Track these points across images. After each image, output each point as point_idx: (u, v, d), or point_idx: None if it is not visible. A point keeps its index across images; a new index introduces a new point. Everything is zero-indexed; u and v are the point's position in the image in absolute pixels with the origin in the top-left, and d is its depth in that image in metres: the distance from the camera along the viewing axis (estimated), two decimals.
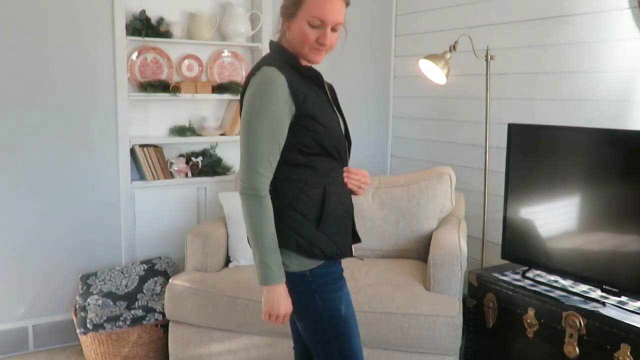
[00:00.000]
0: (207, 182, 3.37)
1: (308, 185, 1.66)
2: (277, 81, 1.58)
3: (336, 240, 1.70)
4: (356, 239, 1.83)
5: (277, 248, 1.62)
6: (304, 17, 1.62)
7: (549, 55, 2.83)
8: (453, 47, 2.84)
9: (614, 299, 2.14)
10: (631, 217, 2.09)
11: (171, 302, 2.64)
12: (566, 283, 2.34)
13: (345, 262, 1.78)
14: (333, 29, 1.65)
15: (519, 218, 2.48)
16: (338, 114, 1.76)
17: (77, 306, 2.94)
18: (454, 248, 2.54)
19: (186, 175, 3.34)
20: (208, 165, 3.40)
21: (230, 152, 3.51)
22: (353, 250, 1.79)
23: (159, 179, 3.23)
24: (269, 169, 1.61)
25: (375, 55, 3.81)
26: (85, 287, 2.99)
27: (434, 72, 2.88)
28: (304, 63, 1.70)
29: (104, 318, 2.77)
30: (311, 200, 1.66)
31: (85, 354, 2.87)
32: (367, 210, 2.97)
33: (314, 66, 1.71)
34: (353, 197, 1.81)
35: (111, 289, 2.99)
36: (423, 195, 2.92)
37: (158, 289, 3.04)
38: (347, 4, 1.67)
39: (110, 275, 3.04)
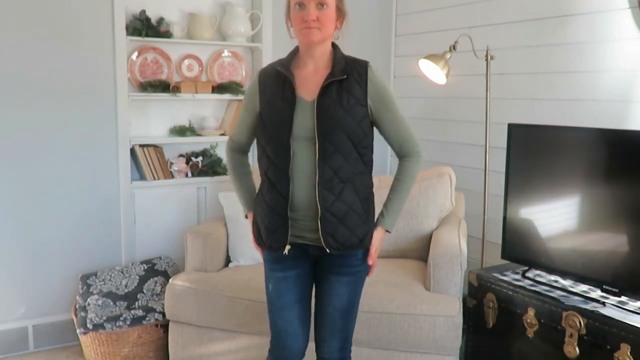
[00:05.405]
0: (207, 182, 3.37)
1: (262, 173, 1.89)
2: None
3: (261, 231, 1.89)
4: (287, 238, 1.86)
5: None
6: (292, 4, 1.75)
7: (549, 55, 2.83)
8: (453, 47, 2.84)
9: (614, 299, 2.14)
10: (631, 217, 2.09)
11: (171, 302, 2.64)
12: (566, 283, 2.34)
13: None
14: (320, 5, 1.71)
15: (519, 218, 2.48)
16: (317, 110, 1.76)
17: (77, 306, 2.94)
18: (454, 248, 2.54)
19: (186, 175, 3.34)
20: (208, 165, 3.40)
21: None
22: (287, 249, 1.84)
23: (159, 179, 3.23)
24: None
25: (376, 55, 3.80)
26: (85, 287, 2.99)
27: (434, 72, 2.88)
28: (303, 53, 1.82)
29: (104, 318, 2.77)
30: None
31: (85, 354, 2.87)
32: None
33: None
34: None
35: (111, 289, 2.99)
36: (423, 195, 2.92)
37: (158, 289, 3.04)
38: None
39: (110, 275, 3.04)
